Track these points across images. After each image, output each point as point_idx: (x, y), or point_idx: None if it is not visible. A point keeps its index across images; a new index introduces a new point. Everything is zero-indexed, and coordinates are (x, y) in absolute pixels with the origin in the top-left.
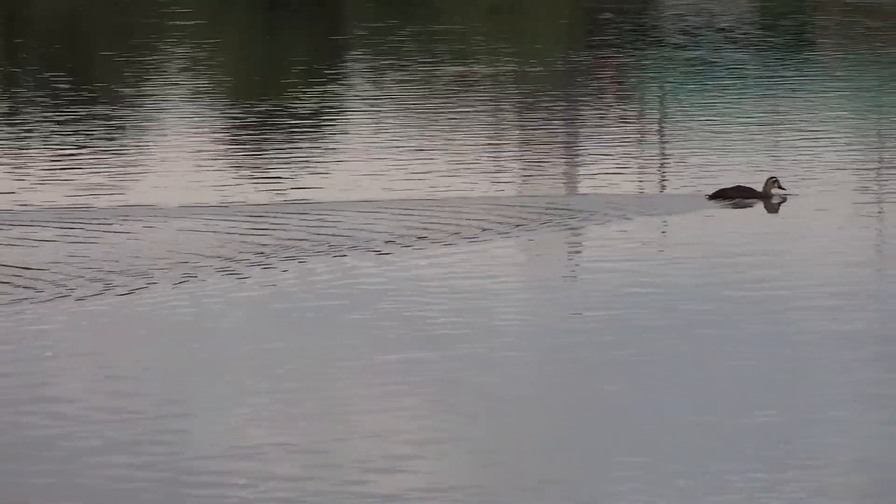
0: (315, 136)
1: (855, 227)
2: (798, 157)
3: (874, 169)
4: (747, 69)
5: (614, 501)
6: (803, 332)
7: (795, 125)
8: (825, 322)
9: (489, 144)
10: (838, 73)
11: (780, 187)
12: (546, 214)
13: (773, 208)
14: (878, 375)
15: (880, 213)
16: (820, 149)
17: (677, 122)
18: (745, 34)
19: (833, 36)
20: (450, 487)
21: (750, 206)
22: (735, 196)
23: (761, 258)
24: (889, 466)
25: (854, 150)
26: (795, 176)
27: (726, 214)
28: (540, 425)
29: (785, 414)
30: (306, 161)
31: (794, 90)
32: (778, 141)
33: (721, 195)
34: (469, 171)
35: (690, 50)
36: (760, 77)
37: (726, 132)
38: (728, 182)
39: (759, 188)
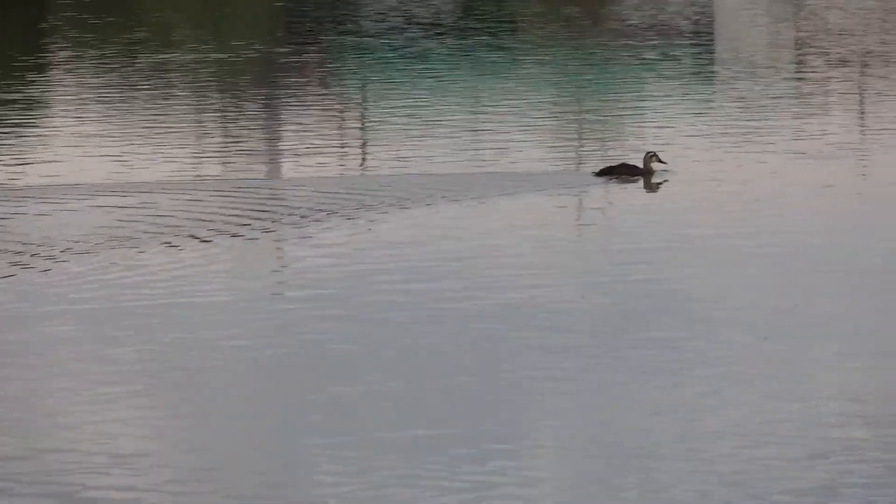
0: (13, 124)
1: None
2: (500, 140)
3: (573, 156)
4: (450, 58)
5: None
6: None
7: (500, 111)
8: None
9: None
10: (542, 60)
11: (659, 160)
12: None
13: (652, 184)
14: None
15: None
16: (518, 131)
17: (374, 107)
18: (448, 22)
19: (536, 24)
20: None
21: (632, 182)
22: (620, 172)
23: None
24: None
25: (556, 130)
26: (493, 152)
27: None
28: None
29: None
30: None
31: (495, 78)
32: (483, 125)
33: (608, 172)
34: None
35: (386, 39)
36: (465, 65)
37: (427, 117)
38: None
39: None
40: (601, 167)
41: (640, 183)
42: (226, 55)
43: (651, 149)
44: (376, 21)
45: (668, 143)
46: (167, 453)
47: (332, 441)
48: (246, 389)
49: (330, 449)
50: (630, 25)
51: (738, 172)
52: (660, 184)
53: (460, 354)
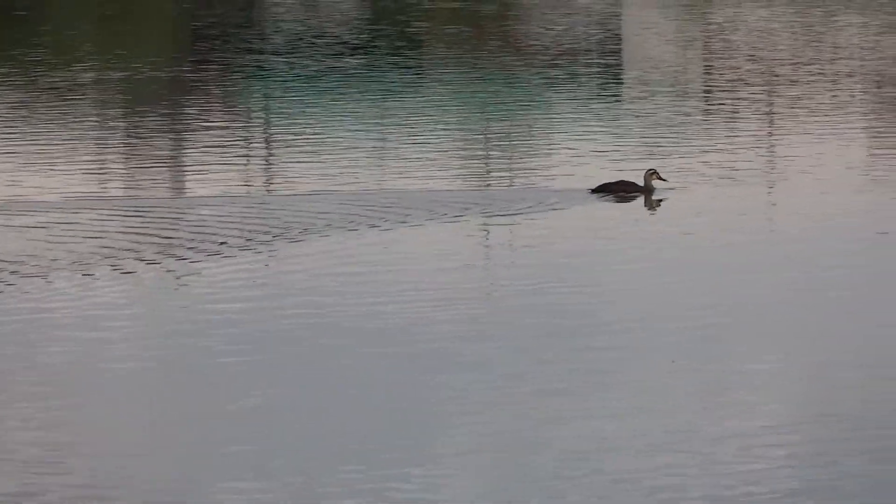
0: None
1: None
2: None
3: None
4: (360, 77)
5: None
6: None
7: (406, 128)
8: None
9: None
10: (447, 80)
11: (659, 178)
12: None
13: (652, 202)
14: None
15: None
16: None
17: (276, 127)
18: (354, 41)
19: (442, 44)
20: None
21: (631, 199)
22: (618, 190)
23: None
24: None
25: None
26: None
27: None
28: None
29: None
30: None
31: (403, 95)
32: (386, 142)
33: (604, 189)
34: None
35: (288, 58)
36: (372, 84)
37: (330, 136)
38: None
39: (641, 182)
40: (598, 184)
41: (641, 200)
42: (128, 74)
43: (651, 166)
44: (281, 41)
45: (574, 163)
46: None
47: (238, 451)
48: (152, 409)
49: (233, 459)
50: (538, 46)
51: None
52: (660, 201)
53: (376, 373)
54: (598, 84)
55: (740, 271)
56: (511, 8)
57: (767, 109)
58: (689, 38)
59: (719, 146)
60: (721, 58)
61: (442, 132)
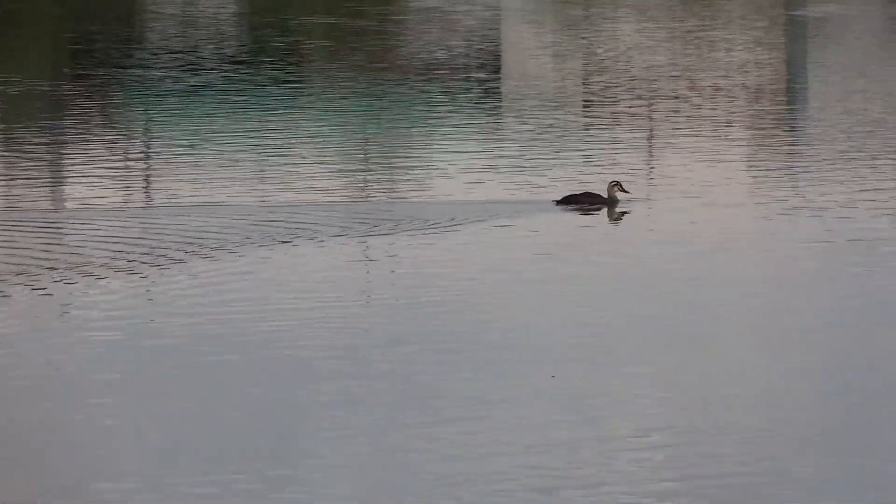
0: None
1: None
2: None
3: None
4: (239, 91)
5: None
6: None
7: (283, 143)
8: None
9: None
10: (328, 95)
11: (622, 190)
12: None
13: (616, 214)
14: None
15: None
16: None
17: (154, 141)
18: (233, 56)
19: (323, 60)
20: None
21: (595, 210)
22: (582, 201)
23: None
24: None
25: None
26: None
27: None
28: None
29: None
30: None
31: (281, 110)
32: (267, 158)
33: (569, 201)
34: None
35: (167, 72)
36: (251, 98)
37: (213, 150)
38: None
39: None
40: (563, 195)
41: (604, 213)
42: (3, 88)
43: (614, 178)
44: (159, 54)
45: (455, 176)
46: None
47: (109, 465)
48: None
49: (110, 469)
50: (415, 60)
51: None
52: (623, 213)
53: (255, 379)
54: (477, 98)
55: (635, 286)
56: (388, 23)
57: (645, 121)
58: (566, 52)
59: (598, 157)
60: (598, 71)
61: (321, 147)
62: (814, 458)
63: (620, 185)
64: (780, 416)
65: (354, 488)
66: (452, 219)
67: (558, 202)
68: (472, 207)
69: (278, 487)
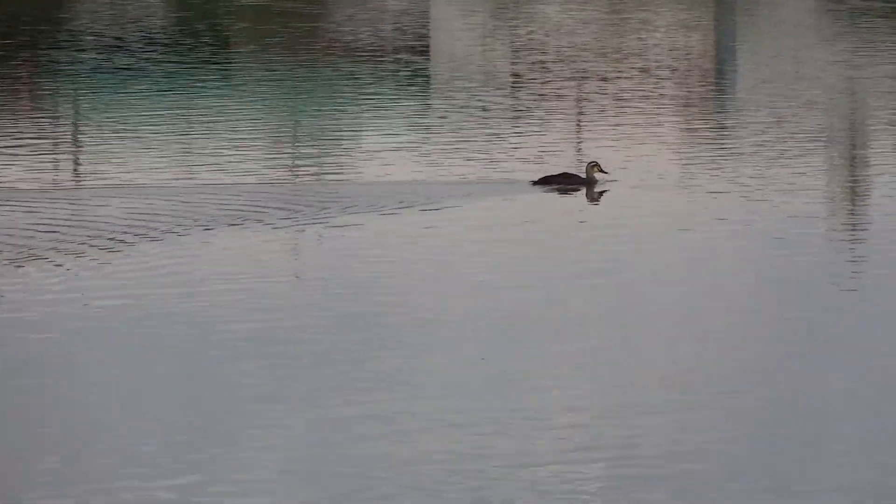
0: None
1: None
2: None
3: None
4: (169, 73)
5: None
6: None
7: (211, 126)
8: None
9: None
10: (256, 77)
11: (601, 171)
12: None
13: (594, 194)
14: None
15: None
16: (238, 148)
17: (85, 124)
18: (164, 38)
19: (251, 42)
20: None
21: (573, 191)
22: (559, 182)
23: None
24: None
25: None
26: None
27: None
28: None
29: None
30: None
31: (211, 92)
32: (192, 139)
33: (546, 181)
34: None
35: (97, 54)
36: (180, 80)
37: (140, 133)
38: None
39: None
40: (540, 175)
41: (582, 193)
42: None
43: (592, 159)
44: (89, 37)
45: (385, 160)
46: None
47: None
48: None
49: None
50: (346, 42)
51: (441, 190)
52: (601, 193)
53: (178, 374)
54: (406, 80)
55: (571, 267)
56: (318, 6)
57: (575, 102)
58: (494, 34)
59: (528, 140)
60: (526, 53)
61: (249, 129)
62: (737, 433)
63: (599, 166)
64: (706, 393)
65: (278, 468)
66: (401, 201)
67: (535, 183)
68: (402, 189)
69: (201, 466)
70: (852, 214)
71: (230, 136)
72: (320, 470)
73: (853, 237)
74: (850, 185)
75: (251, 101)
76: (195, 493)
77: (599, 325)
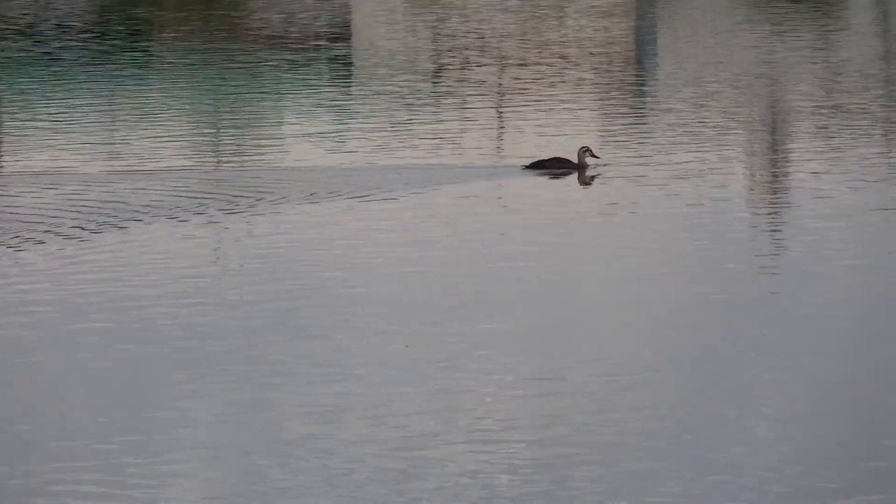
0: None
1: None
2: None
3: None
4: (91, 61)
5: None
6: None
7: (139, 111)
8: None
9: None
10: (178, 65)
11: (593, 155)
12: None
13: (586, 179)
14: None
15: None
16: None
17: (4, 110)
18: (85, 26)
19: (172, 29)
20: None
21: (564, 175)
22: (551, 166)
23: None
24: None
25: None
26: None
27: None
28: None
29: None
30: None
31: (133, 80)
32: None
33: (538, 165)
34: None
35: (18, 42)
36: (103, 68)
37: (60, 119)
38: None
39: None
40: (532, 160)
41: (574, 177)
42: None
43: (584, 143)
44: (10, 24)
45: (308, 145)
46: None
47: None
48: None
49: None
50: (268, 31)
51: (368, 174)
52: (593, 177)
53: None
54: (328, 68)
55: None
56: None
57: (497, 89)
58: (419, 22)
59: (451, 127)
60: (451, 40)
61: (171, 116)
62: (663, 412)
63: (591, 151)
64: (629, 374)
65: (197, 454)
66: (366, 187)
67: (527, 167)
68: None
69: (124, 454)
70: (772, 196)
71: (150, 125)
72: (242, 457)
73: (773, 220)
74: (770, 167)
75: (171, 90)
76: (119, 476)
77: (520, 310)
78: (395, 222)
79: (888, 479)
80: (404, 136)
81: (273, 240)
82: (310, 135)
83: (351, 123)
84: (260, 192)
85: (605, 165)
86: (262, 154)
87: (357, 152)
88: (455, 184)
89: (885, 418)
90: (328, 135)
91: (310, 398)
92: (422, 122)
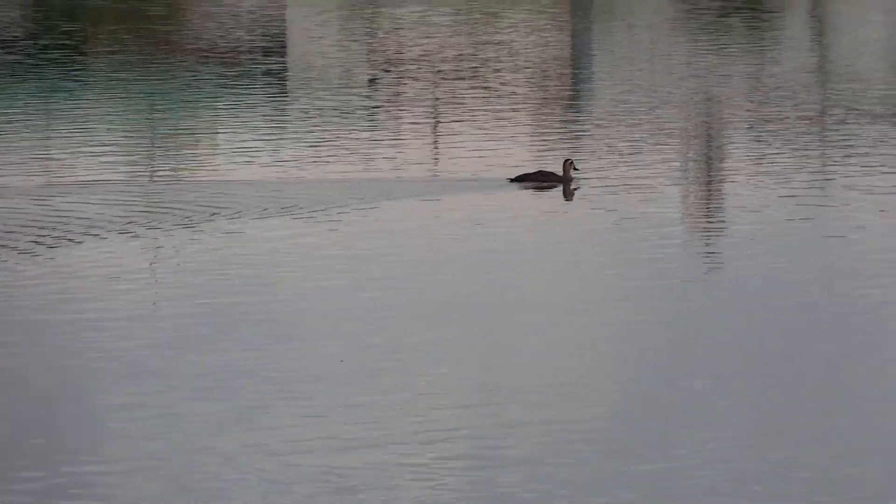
0: None
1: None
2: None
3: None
4: (24, 75)
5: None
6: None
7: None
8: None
9: None
10: (113, 79)
11: (575, 168)
12: None
13: (571, 192)
14: None
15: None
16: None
17: None
18: (19, 38)
19: (108, 43)
20: None
21: (548, 188)
22: (536, 179)
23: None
24: None
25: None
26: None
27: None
28: None
29: None
30: None
31: (66, 94)
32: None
33: (523, 178)
34: None
35: None
36: (36, 82)
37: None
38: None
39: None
40: (518, 173)
41: (559, 190)
42: None
43: (568, 156)
44: None
45: (242, 159)
46: None
47: None
48: None
49: None
50: (202, 44)
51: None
52: (576, 190)
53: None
54: (262, 83)
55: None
56: (177, 10)
57: (432, 103)
58: (353, 37)
59: (386, 141)
60: (386, 55)
61: (108, 130)
62: (593, 413)
63: (574, 164)
64: (572, 378)
65: (135, 464)
66: (317, 203)
67: (512, 180)
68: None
69: (69, 458)
70: (708, 211)
71: (84, 138)
72: (181, 467)
73: (709, 231)
74: (707, 182)
75: (105, 104)
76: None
77: (462, 318)
78: (328, 237)
79: (828, 486)
80: (338, 150)
81: (206, 254)
82: (244, 149)
83: (285, 137)
84: (194, 206)
85: (586, 179)
86: (197, 168)
87: (290, 166)
88: (394, 199)
89: (825, 427)
90: (262, 149)
91: (244, 412)
92: (356, 136)
